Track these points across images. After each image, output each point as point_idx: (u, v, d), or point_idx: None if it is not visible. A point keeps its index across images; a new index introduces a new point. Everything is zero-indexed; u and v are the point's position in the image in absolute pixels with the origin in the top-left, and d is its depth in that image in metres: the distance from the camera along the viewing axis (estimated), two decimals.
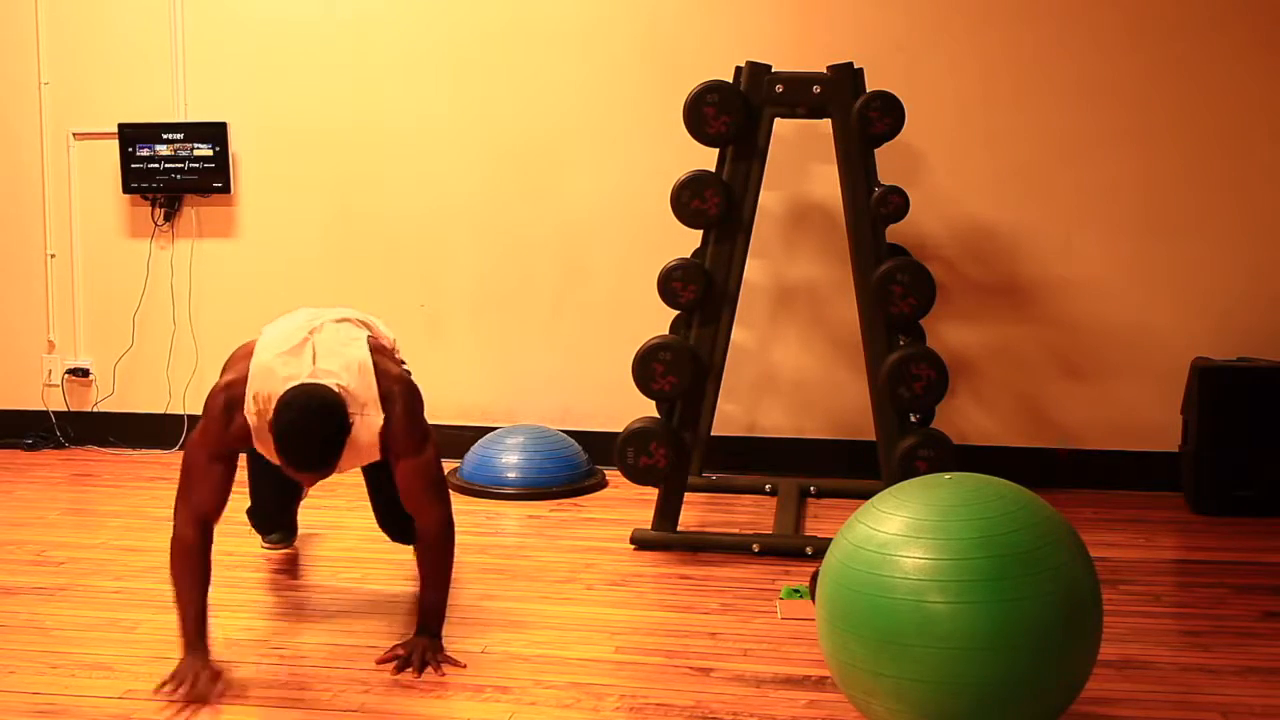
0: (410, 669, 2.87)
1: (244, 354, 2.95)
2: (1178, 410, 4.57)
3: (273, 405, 2.77)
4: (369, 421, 2.85)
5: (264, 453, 2.91)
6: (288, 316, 3.08)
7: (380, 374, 2.89)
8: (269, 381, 2.82)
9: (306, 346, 2.88)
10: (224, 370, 3.03)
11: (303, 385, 2.77)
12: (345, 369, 2.85)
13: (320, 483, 2.94)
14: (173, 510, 2.86)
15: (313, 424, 2.70)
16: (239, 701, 2.74)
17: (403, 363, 3.23)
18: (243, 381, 2.85)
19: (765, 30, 4.77)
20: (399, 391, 2.91)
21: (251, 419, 2.83)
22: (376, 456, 2.93)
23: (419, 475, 2.92)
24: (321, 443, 2.72)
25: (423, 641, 2.94)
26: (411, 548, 3.20)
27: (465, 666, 2.91)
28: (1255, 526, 4.21)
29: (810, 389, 4.91)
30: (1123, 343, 4.71)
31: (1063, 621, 2.33)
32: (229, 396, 2.86)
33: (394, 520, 3.32)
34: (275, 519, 3.69)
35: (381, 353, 3.01)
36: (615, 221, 4.95)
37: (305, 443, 2.71)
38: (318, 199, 5.15)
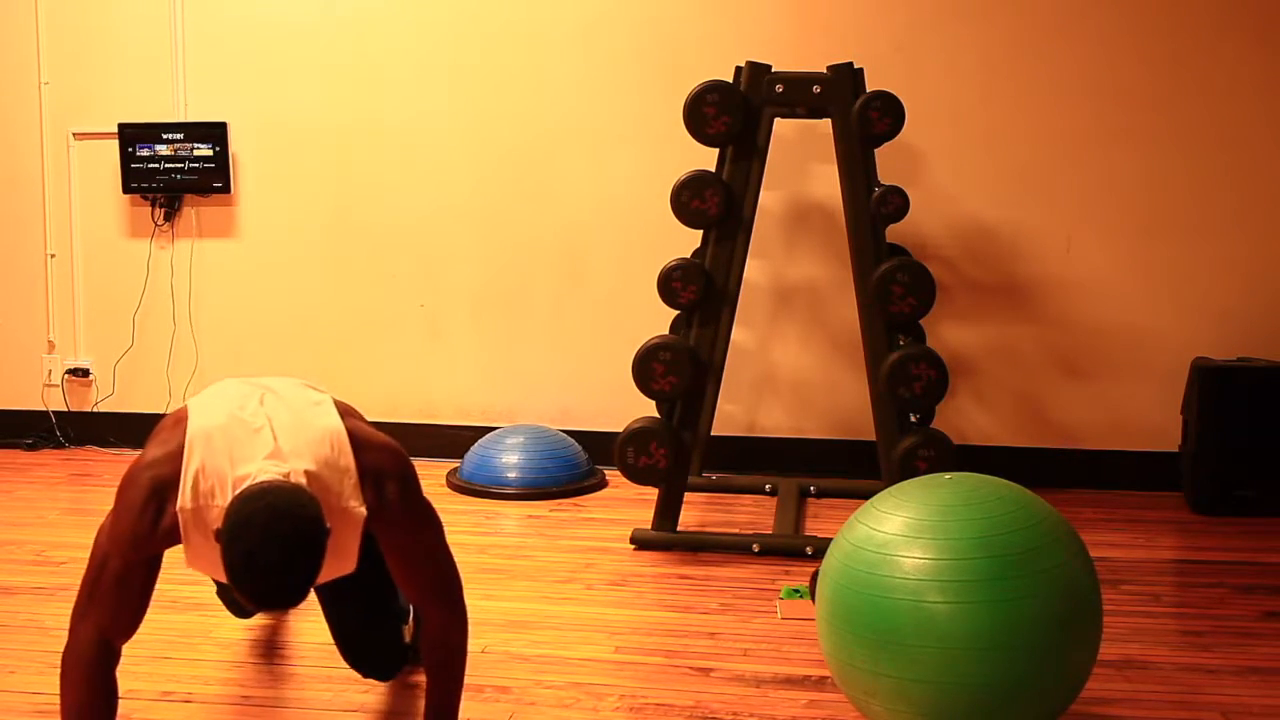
0: None
1: (174, 421, 2.23)
2: (1178, 410, 4.57)
3: (218, 501, 2.08)
4: (350, 518, 2.16)
5: (201, 569, 2.19)
6: (224, 387, 2.34)
7: (359, 446, 2.20)
8: (215, 459, 2.10)
9: (261, 415, 2.18)
10: (149, 442, 2.23)
11: (264, 489, 2.00)
12: (313, 446, 2.15)
13: None
14: (71, 614, 2.18)
15: (283, 555, 1.95)
16: (239, 702, 2.74)
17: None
18: (177, 459, 2.11)
19: (765, 30, 4.77)
20: (388, 466, 2.23)
21: (186, 515, 2.09)
22: (352, 564, 2.23)
23: (426, 565, 2.29)
24: (296, 578, 1.97)
25: None
26: (385, 684, 2.75)
27: None
28: (1255, 526, 4.21)
29: (810, 389, 4.91)
30: (1123, 343, 4.72)
31: (1063, 621, 2.33)
32: (155, 485, 2.11)
33: (364, 645, 2.65)
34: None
35: (353, 415, 2.32)
36: (615, 221, 4.95)
37: (275, 581, 1.96)
38: (318, 199, 5.15)
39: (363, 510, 2.16)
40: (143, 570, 2.15)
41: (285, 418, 2.18)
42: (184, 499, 2.09)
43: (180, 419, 2.20)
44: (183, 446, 2.11)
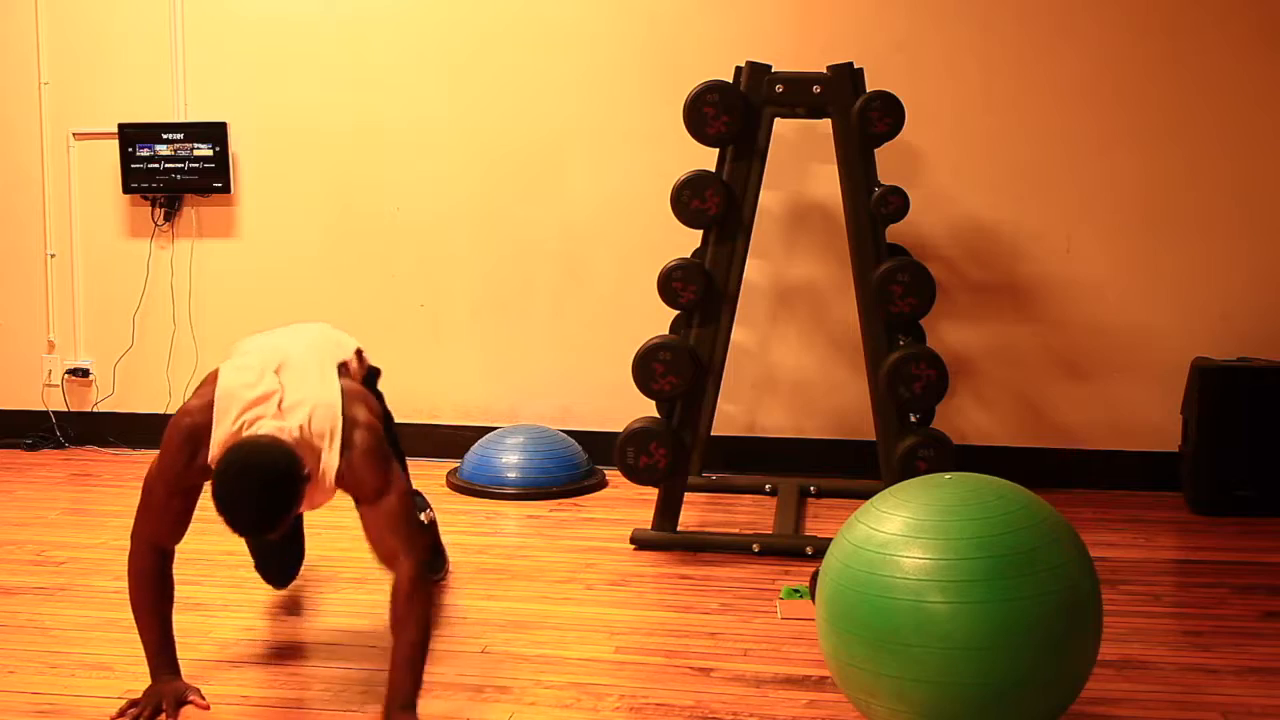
0: None
1: (210, 381, 2.74)
2: (1178, 410, 4.57)
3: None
4: (326, 464, 2.63)
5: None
6: (253, 348, 2.85)
7: (347, 417, 2.67)
8: (232, 417, 2.62)
9: (275, 382, 2.68)
10: (192, 396, 2.78)
11: (250, 443, 2.54)
12: (309, 408, 2.64)
13: None
14: (132, 526, 2.71)
15: (254, 493, 2.47)
16: (239, 702, 2.74)
17: (377, 371, 3.17)
18: (207, 410, 2.64)
19: (765, 30, 4.77)
20: (360, 425, 2.67)
21: (214, 461, 2.60)
22: (332, 496, 2.73)
23: (386, 517, 2.63)
24: (262, 511, 2.50)
25: None
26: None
27: None
28: (1255, 526, 4.21)
29: (810, 389, 4.91)
30: (1123, 343, 4.71)
31: (1063, 621, 2.33)
32: (192, 430, 2.65)
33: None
34: (281, 574, 3.38)
35: (354, 395, 2.76)
36: (615, 222, 4.95)
37: (243, 514, 2.49)
38: (318, 199, 5.15)
39: (336, 463, 2.62)
40: (181, 498, 2.67)
41: (293, 386, 2.66)
42: (213, 454, 2.58)
43: (213, 380, 2.70)
44: (212, 403, 2.63)
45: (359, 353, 3.06)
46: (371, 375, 3.17)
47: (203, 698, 2.70)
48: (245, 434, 2.57)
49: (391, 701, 2.52)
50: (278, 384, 2.66)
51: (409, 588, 2.56)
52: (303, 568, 3.46)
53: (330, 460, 2.62)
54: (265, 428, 2.58)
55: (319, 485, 2.63)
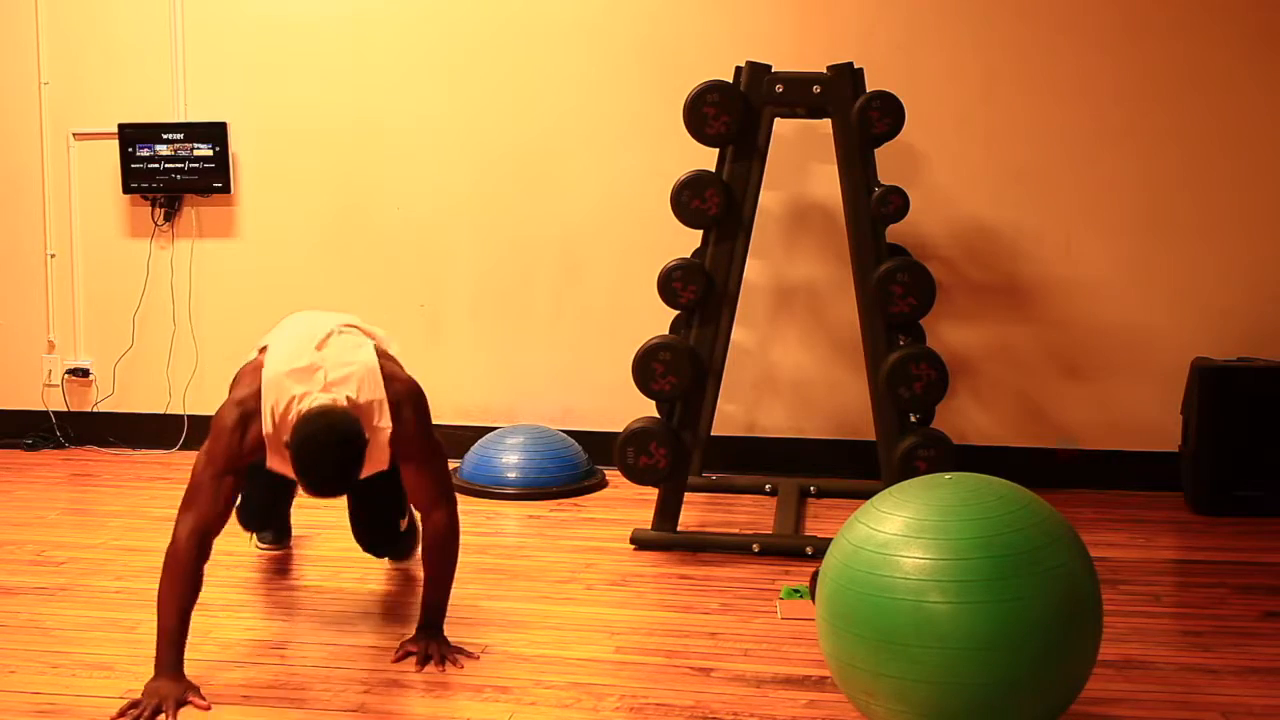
0: (431, 663, 2.92)
1: (253, 368, 2.94)
2: (1178, 410, 4.57)
3: (287, 420, 2.79)
4: (380, 431, 2.89)
5: (278, 468, 2.90)
6: (291, 326, 3.09)
7: (388, 379, 2.93)
8: (283, 397, 2.82)
9: (316, 363, 2.88)
10: (233, 387, 2.99)
11: (319, 410, 2.77)
12: (355, 380, 2.87)
13: None
14: (175, 519, 2.81)
15: (333, 451, 2.72)
16: (239, 702, 2.74)
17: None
18: (256, 396, 2.84)
19: (765, 30, 4.77)
20: (406, 397, 2.95)
21: (268, 437, 2.83)
22: (385, 464, 2.95)
23: (430, 478, 2.99)
24: (343, 467, 2.74)
25: (431, 636, 2.98)
26: (385, 561, 3.65)
27: (478, 658, 2.96)
28: (1255, 526, 4.21)
29: (810, 389, 4.91)
30: (1123, 343, 4.72)
31: (1063, 621, 2.33)
32: (243, 411, 2.85)
33: (372, 533, 3.49)
34: (263, 517, 3.65)
35: (387, 358, 3.03)
36: (615, 221, 4.95)
37: (328, 469, 2.73)
38: (318, 199, 5.15)
39: (389, 427, 2.89)
40: (231, 479, 2.83)
41: (335, 359, 2.89)
42: (266, 426, 2.82)
43: (258, 366, 2.91)
44: (260, 388, 2.84)
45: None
46: None
47: (202, 698, 2.71)
48: (299, 408, 2.79)
49: (425, 623, 2.99)
50: (319, 359, 2.88)
51: (445, 532, 3.00)
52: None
53: (383, 425, 2.89)
54: (320, 400, 2.80)
55: (374, 449, 2.87)
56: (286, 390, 2.82)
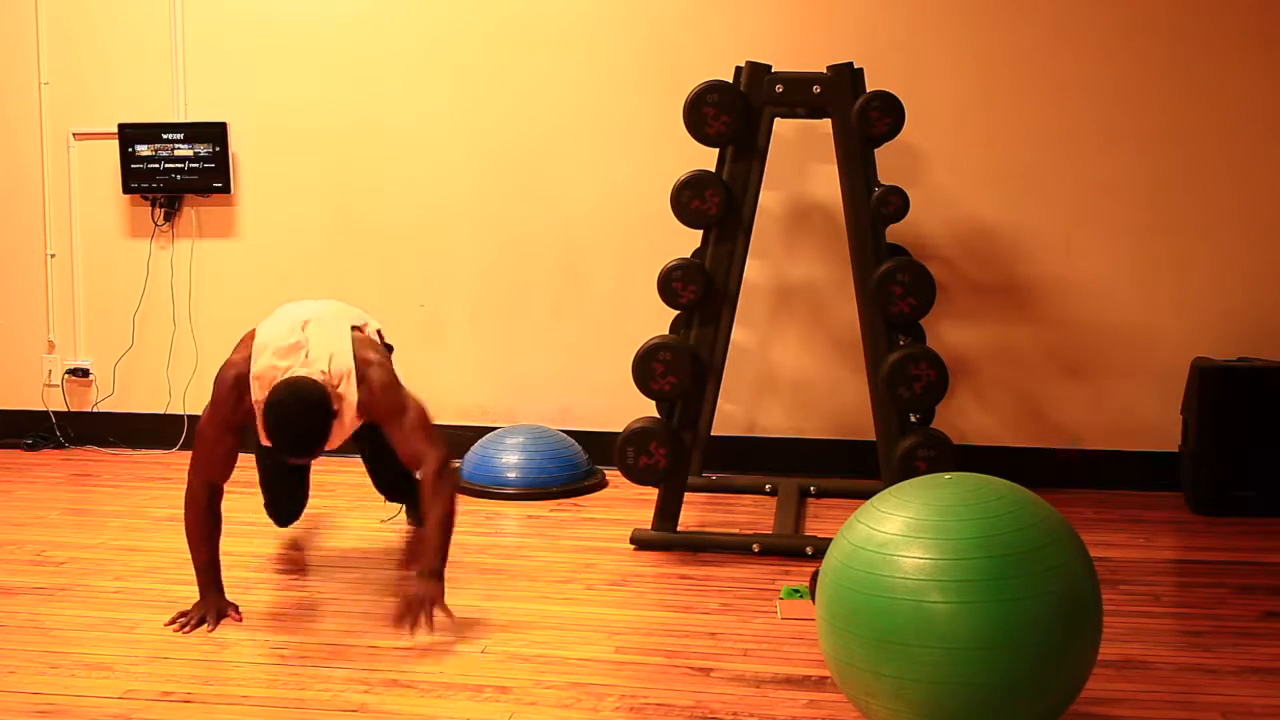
0: (407, 625, 3.06)
1: (248, 339, 3.29)
2: (1178, 410, 4.57)
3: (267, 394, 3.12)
4: (347, 399, 3.20)
5: (261, 434, 3.20)
6: (285, 312, 3.39)
7: (357, 356, 3.24)
8: (268, 373, 3.16)
9: (300, 342, 3.22)
10: (233, 352, 3.31)
11: (289, 380, 3.11)
12: (329, 356, 3.20)
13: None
14: (186, 476, 3.23)
15: (299, 418, 3.06)
16: (239, 702, 2.74)
17: (390, 348, 3.60)
18: (247, 363, 3.19)
19: (765, 30, 4.77)
20: (373, 364, 3.26)
21: (258, 406, 3.14)
22: (358, 424, 3.28)
23: (409, 431, 3.23)
24: (306, 433, 3.08)
25: (422, 590, 3.09)
26: (399, 504, 4.06)
27: (454, 620, 3.10)
28: (1255, 526, 4.21)
29: (810, 389, 4.91)
30: (1123, 343, 4.72)
31: (1063, 621, 2.33)
32: (237, 376, 3.21)
33: (384, 478, 3.92)
34: (289, 512, 3.87)
35: (363, 339, 3.37)
36: (615, 221, 4.95)
37: (294, 434, 3.08)
38: (318, 199, 5.15)
39: (355, 393, 3.20)
40: (232, 436, 3.22)
41: (316, 338, 3.22)
42: (256, 394, 3.15)
43: (249, 338, 3.28)
44: (250, 355, 3.20)
45: (378, 332, 3.58)
46: (386, 350, 3.60)
47: (239, 612, 3.21)
48: (280, 378, 3.12)
49: (422, 569, 3.13)
50: (304, 338, 3.21)
51: (435, 478, 3.17)
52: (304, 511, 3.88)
53: (349, 394, 3.18)
54: (296, 373, 3.13)
55: (342, 420, 3.19)
56: (271, 367, 3.16)
